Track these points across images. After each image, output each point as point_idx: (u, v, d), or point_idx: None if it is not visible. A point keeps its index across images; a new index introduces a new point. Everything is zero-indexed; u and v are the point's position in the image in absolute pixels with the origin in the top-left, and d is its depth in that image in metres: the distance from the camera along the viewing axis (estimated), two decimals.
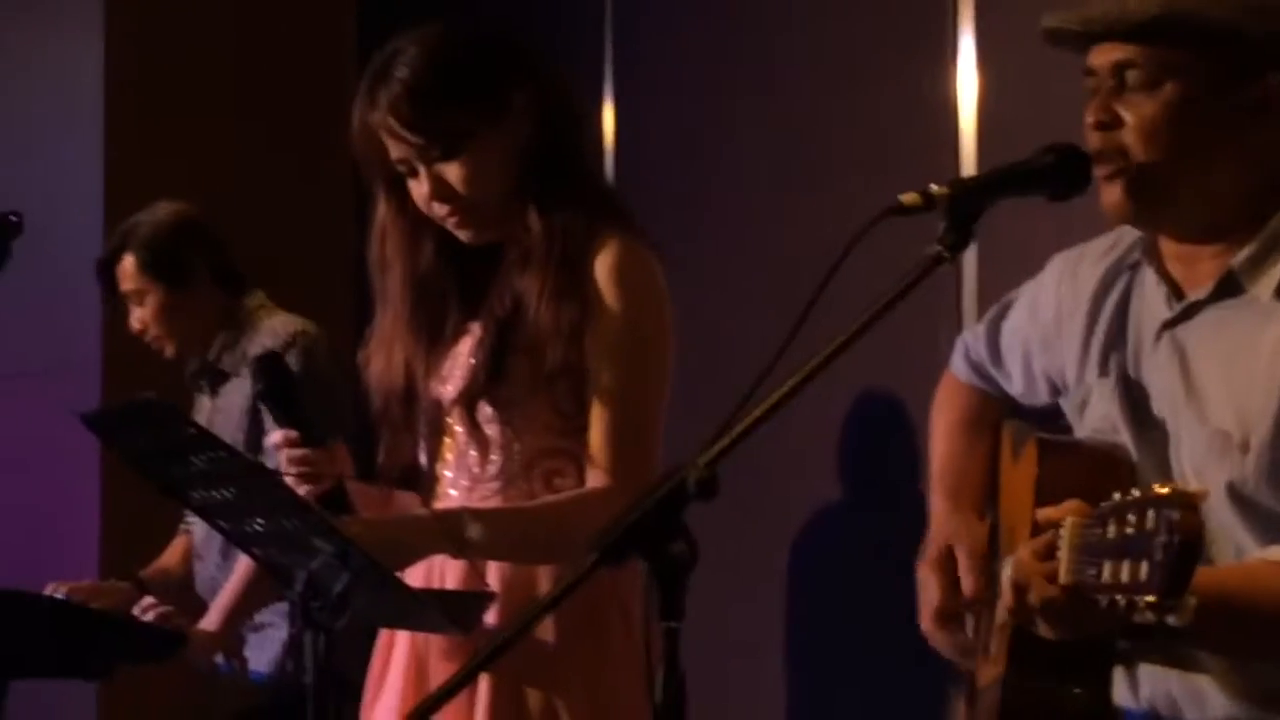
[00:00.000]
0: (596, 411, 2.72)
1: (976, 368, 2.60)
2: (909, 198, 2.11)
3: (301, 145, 5.26)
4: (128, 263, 4.16)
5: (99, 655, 3.78)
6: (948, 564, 2.41)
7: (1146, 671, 2.24)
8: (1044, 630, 2.05)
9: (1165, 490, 1.81)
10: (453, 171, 2.75)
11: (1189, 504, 1.78)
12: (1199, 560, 1.78)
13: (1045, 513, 2.04)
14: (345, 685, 3.24)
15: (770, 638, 4.30)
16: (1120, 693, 2.27)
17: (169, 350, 4.19)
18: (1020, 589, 2.03)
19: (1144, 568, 1.79)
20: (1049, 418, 2.46)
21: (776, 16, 4.37)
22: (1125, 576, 1.81)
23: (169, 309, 4.15)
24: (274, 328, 4.10)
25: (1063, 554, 1.97)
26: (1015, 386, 2.54)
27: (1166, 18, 2.17)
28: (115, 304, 4.25)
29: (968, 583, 2.37)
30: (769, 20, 4.40)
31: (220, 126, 5.35)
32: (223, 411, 4.12)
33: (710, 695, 4.25)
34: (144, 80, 5.32)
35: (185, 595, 4.10)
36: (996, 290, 3.61)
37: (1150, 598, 1.78)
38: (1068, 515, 1.98)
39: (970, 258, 3.80)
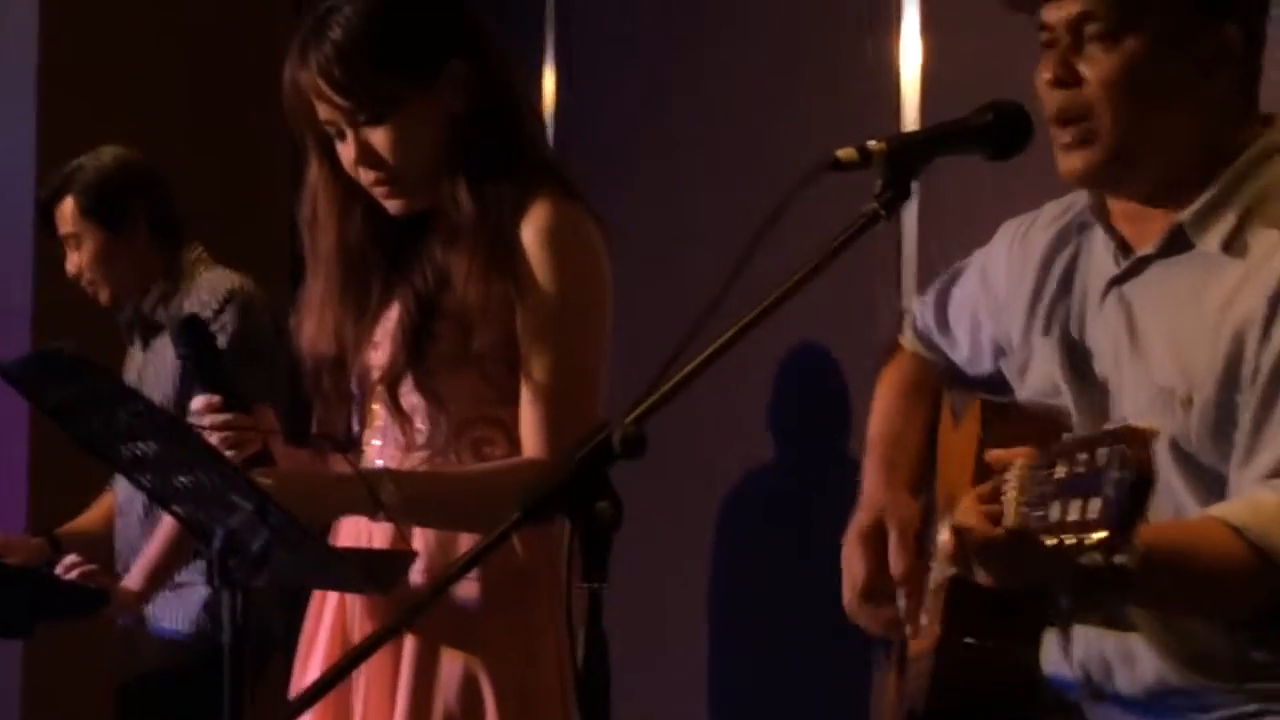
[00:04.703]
0: (529, 383, 2.68)
1: (922, 336, 2.56)
2: (845, 153, 2.07)
3: (239, 95, 5.19)
4: (67, 205, 4.12)
5: (20, 613, 3.74)
6: (875, 540, 2.34)
7: (1080, 633, 2.21)
8: (983, 577, 1.99)
9: (1114, 427, 1.77)
10: (379, 137, 2.69)
11: (1142, 439, 1.73)
12: (1151, 495, 1.74)
13: (995, 454, 1.98)
14: (266, 641, 3.21)
15: (697, 598, 4.29)
16: (1052, 656, 2.24)
17: (103, 296, 4.15)
18: (962, 532, 1.97)
19: (1094, 504, 1.74)
20: (993, 388, 2.41)
21: None
22: (1074, 515, 1.76)
23: (105, 255, 4.10)
24: (211, 283, 4.06)
25: (1009, 496, 1.92)
26: (961, 353, 2.50)
27: None
28: (53, 247, 4.21)
29: (897, 562, 2.30)
30: None
31: (156, 71, 5.29)
32: (153, 365, 4.08)
33: (637, 659, 4.27)
34: (78, 22, 5.25)
35: (105, 553, 4.04)
36: (936, 252, 3.61)
37: (1100, 534, 1.72)
38: (1017, 459, 1.93)
39: (910, 220, 3.78)
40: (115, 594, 3.81)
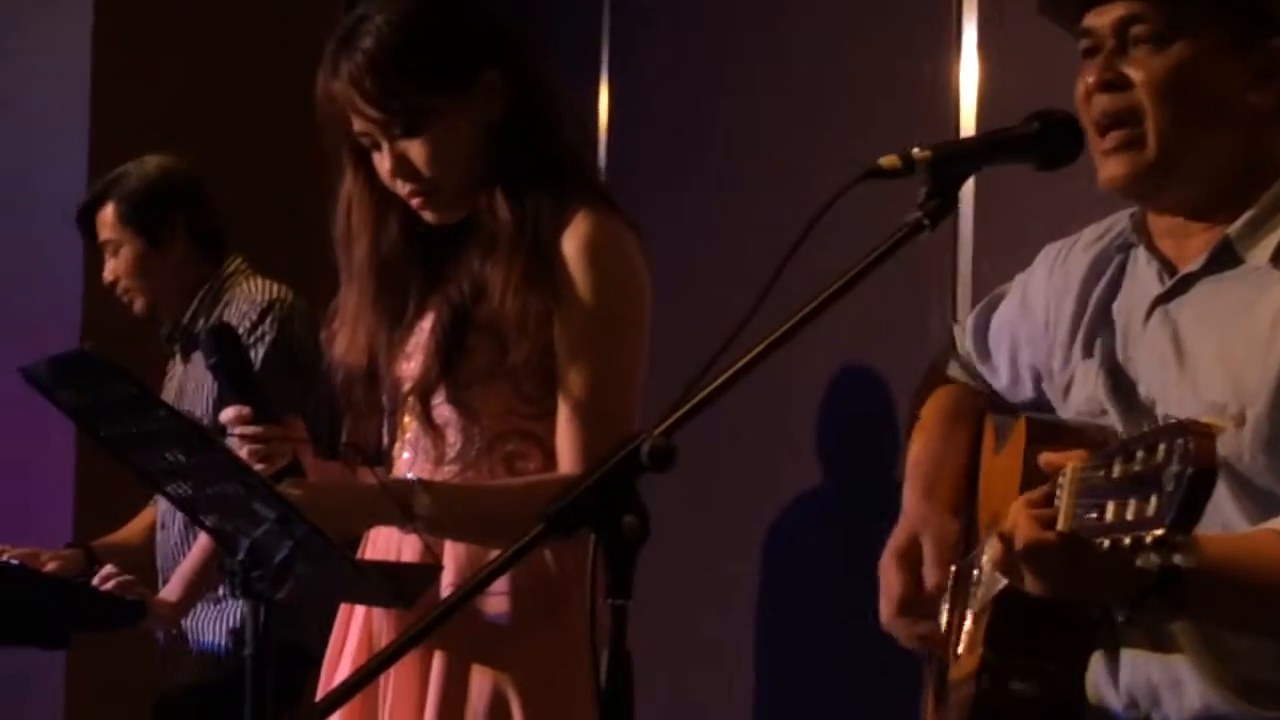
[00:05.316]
0: (565, 398, 2.63)
1: (964, 363, 2.50)
2: (889, 160, 2.02)
3: (293, 104, 5.15)
4: (107, 212, 4.11)
5: (56, 623, 3.71)
6: (912, 554, 2.29)
7: (1128, 658, 2.14)
8: (1033, 584, 1.91)
9: (1179, 420, 1.70)
10: (415, 150, 2.64)
11: (1203, 432, 1.66)
12: (1212, 492, 1.66)
13: (1047, 457, 1.91)
14: (302, 656, 3.16)
15: (745, 619, 4.23)
16: (1100, 683, 2.17)
17: (138, 305, 4.13)
18: (1012, 539, 1.89)
19: (1153, 501, 1.66)
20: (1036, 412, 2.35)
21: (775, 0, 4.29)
22: (1131, 514, 1.68)
23: (142, 263, 4.08)
24: (251, 294, 4.04)
25: (1063, 500, 1.84)
26: (1001, 380, 2.44)
27: None
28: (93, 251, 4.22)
29: (932, 574, 2.25)
30: (768, 3, 4.32)
31: (210, 77, 5.29)
32: (193, 378, 4.05)
33: (684, 678, 4.22)
34: (131, 30, 5.26)
35: (143, 567, 4.01)
36: (989, 271, 3.55)
37: (1159, 531, 1.64)
38: (1070, 461, 1.85)
39: (965, 239, 3.71)
40: (152, 606, 3.77)
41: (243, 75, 5.33)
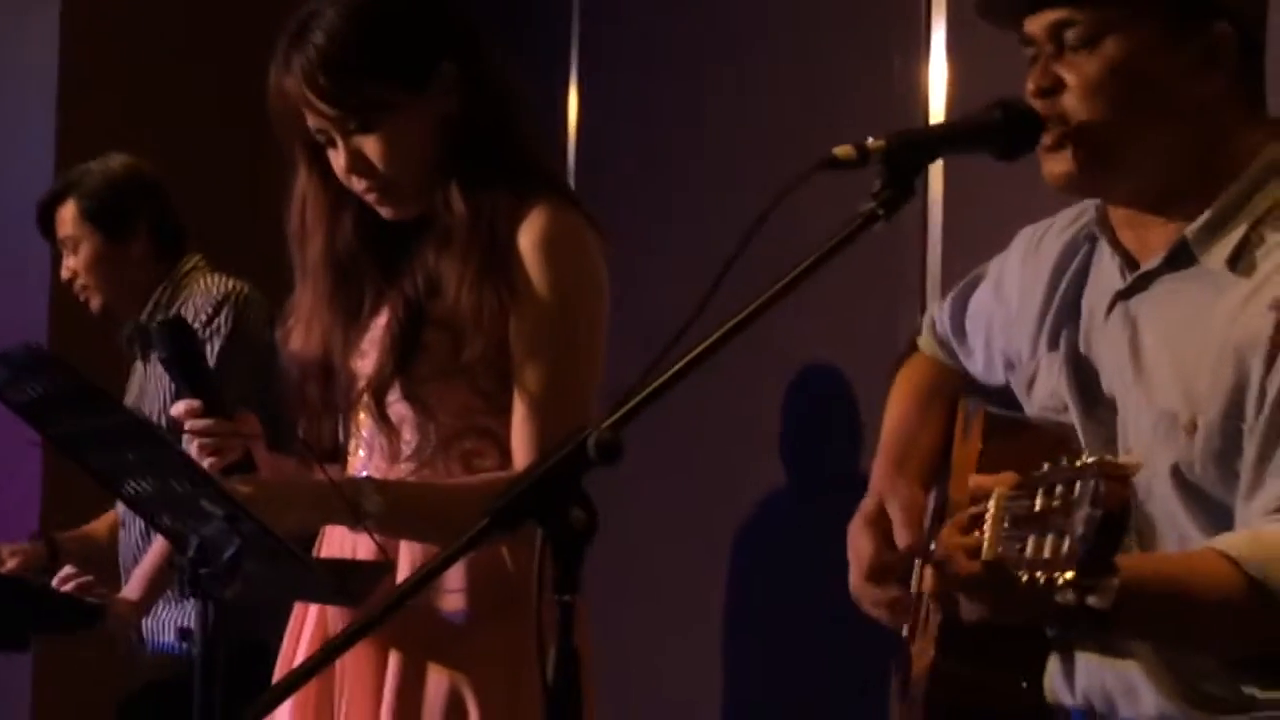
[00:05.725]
0: (521, 395, 2.59)
1: (941, 342, 2.47)
2: (843, 150, 1.97)
3: (261, 104, 5.12)
4: (68, 208, 4.09)
5: (16, 626, 3.67)
6: (881, 521, 2.26)
7: (1083, 662, 2.11)
8: (964, 611, 1.91)
9: (1093, 460, 1.68)
10: (371, 145, 2.61)
11: (1116, 474, 1.65)
12: (1123, 535, 1.66)
13: (977, 480, 1.90)
14: (264, 654, 3.12)
15: (712, 615, 4.21)
16: (1056, 685, 2.15)
17: (95, 303, 4.10)
18: (941, 566, 1.89)
19: (1065, 542, 1.66)
20: (1008, 400, 2.33)
21: (747, 2, 4.27)
22: (1047, 552, 1.68)
23: (101, 260, 4.06)
24: (207, 289, 4.00)
25: (989, 527, 1.83)
26: (977, 364, 2.41)
27: None
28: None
29: (901, 535, 2.23)
30: (739, 5, 4.31)
31: (177, 79, 5.25)
32: (153, 378, 4.01)
33: (651, 674, 4.19)
34: (99, 33, 5.22)
35: (105, 563, 3.98)
36: (961, 271, 3.51)
37: (1069, 574, 1.64)
38: (998, 486, 1.84)
39: (935, 239, 3.69)
40: (112, 606, 3.74)
41: (212, 74, 5.28)
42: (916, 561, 2.23)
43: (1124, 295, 2.13)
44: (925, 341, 2.49)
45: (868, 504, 2.29)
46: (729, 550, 4.19)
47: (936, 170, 3.68)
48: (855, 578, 2.27)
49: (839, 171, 1.97)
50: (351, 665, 2.61)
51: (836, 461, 3.98)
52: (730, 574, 4.19)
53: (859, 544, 2.27)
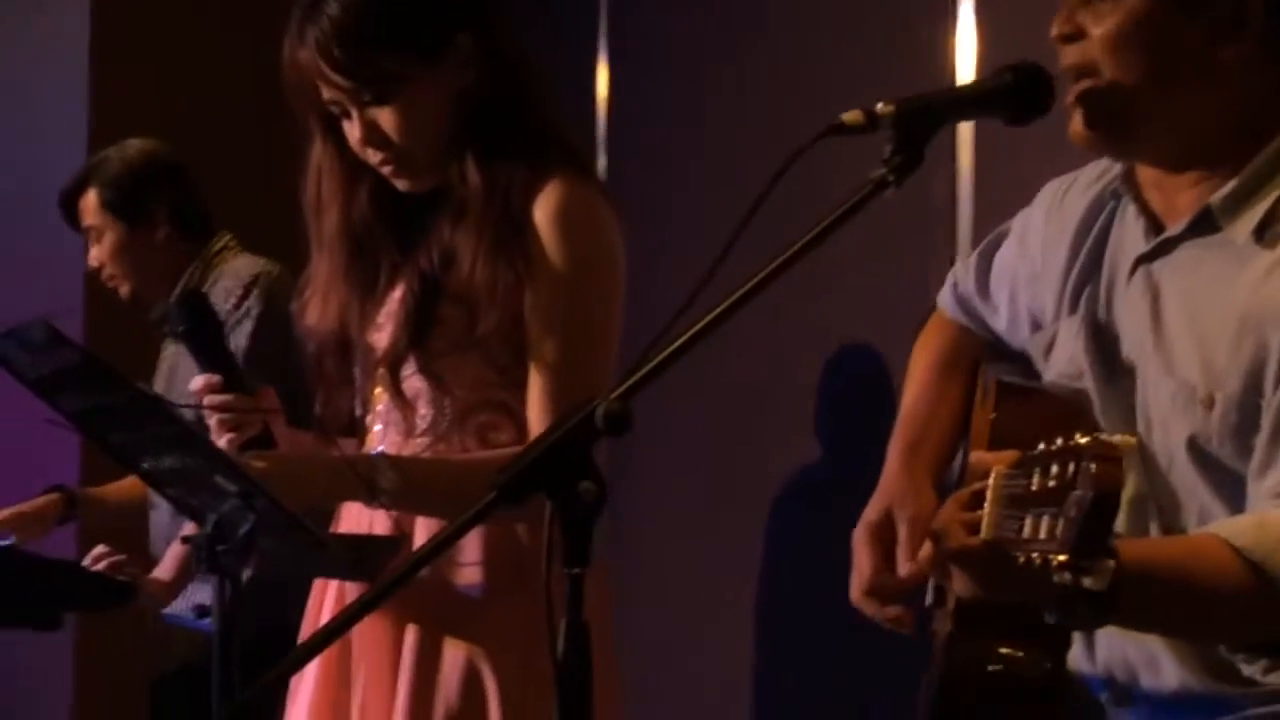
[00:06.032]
0: (536, 369, 2.58)
1: (963, 302, 2.42)
2: (851, 116, 1.96)
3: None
4: (89, 198, 4.07)
5: (47, 605, 3.67)
6: (884, 533, 2.23)
7: (1103, 635, 2.09)
8: (959, 587, 1.88)
9: (1085, 440, 1.65)
10: (386, 117, 2.59)
11: (1108, 455, 1.62)
12: (1115, 517, 1.63)
13: (978, 456, 1.88)
14: (288, 635, 3.12)
15: (745, 596, 4.17)
16: (1078, 657, 2.13)
17: (123, 290, 4.09)
18: (938, 539, 1.86)
19: (1060, 524, 1.64)
20: (1029, 367, 2.29)
21: None
22: (1043, 533, 1.66)
23: (125, 249, 4.04)
24: (237, 269, 3.98)
25: (988, 505, 1.81)
26: (1001, 321, 2.36)
27: None
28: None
29: (904, 560, 2.19)
30: None
31: (209, 56, 5.22)
32: (184, 359, 3.98)
33: (680, 656, 4.17)
34: (130, 23, 5.20)
35: (132, 527, 3.97)
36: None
37: (1062, 556, 1.62)
38: (996, 464, 1.81)
39: (965, 215, 3.65)
40: (144, 585, 3.74)
41: (245, 43, 5.25)
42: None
43: (1147, 259, 2.09)
44: (945, 300, 2.45)
45: (875, 508, 2.26)
46: (760, 531, 4.16)
47: (966, 143, 3.65)
48: (855, 591, 2.25)
49: (859, 143, 1.95)
50: (369, 638, 2.61)
51: (871, 439, 3.95)
52: (761, 555, 4.16)
53: (860, 557, 2.24)
